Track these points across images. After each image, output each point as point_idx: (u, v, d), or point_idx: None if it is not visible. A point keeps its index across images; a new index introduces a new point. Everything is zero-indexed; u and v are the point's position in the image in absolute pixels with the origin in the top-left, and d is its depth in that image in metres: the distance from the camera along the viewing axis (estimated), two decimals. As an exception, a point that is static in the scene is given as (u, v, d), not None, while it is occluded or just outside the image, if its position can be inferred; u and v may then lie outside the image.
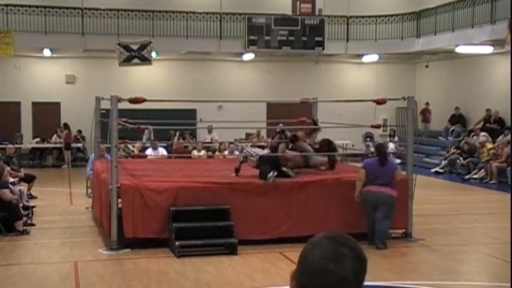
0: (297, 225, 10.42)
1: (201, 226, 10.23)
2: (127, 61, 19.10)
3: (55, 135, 23.95)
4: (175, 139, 20.65)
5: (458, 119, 23.96)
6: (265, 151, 12.13)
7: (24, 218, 12.08)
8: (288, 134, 12.37)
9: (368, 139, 25.66)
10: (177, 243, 9.82)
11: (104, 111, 13.05)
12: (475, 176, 20.02)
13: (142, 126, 12.22)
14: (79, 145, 23.99)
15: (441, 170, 21.86)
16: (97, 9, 23.30)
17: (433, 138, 24.87)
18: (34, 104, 24.31)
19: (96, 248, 10.48)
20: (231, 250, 9.99)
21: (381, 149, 11.03)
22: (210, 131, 23.20)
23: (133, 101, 10.94)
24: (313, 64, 26.30)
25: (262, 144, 20.31)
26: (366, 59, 26.11)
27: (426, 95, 25.92)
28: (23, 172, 15.62)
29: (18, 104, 24.20)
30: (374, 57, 25.82)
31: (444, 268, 9.46)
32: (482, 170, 19.89)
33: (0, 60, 22.85)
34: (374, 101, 12.56)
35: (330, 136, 13.58)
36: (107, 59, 22.69)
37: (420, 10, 24.56)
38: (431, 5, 23.95)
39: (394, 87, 24.58)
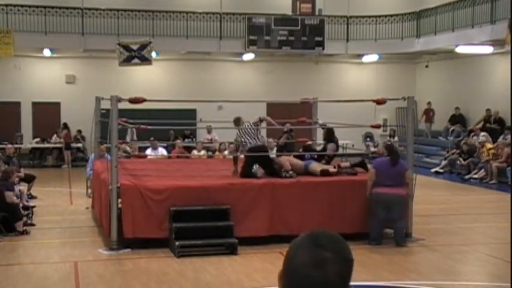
0: (298, 224, 10.41)
1: (201, 226, 10.23)
2: (127, 61, 19.09)
3: (55, 135, 23.95)
4: (178, 144, 20.37)
5: (458, 119, 23.96)
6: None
7: (24, 218, 12.09)
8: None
9: (368, 139, 25.67)
10: (177, 243, 9.82)
11: (104, 111, 13.06)
12: (475, 176, 20.03)
13: (142, 126, 12.21)
14: (79, 145, 23.98)
15: (441, 170, 21.86)
16: (97, 9, 23.30)
17: (433, 138, 24.88)
18: (34, 104, 24.31)
19: (96, 248, 10.48)
20: (231, 250, 9.99)
21: (393, 149, 10.95)
22: (209, 131, 23.19)
23: (133, 101, 10.94)
24: (313, 64, 26.29)
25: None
26: (366, 59, 26.11)
27: (426, 95, 25.92)
28: (23, 172, 15.63)
29: (18, 104, 24.19)
30: (374, 57, 25.82)
31: (444, 268, 9.46)
32: (482, 170, 19.89)
33: (0, 60, 22.85)
34: (374, 101, 12.57)
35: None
36: (107, 59, 22.69)
37: (420, 10, 24.56)
38: (431, 5, 23.95)
39: (394, 87, 24.58)
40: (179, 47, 24.06)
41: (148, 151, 18.05)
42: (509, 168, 18.68)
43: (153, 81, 24.24)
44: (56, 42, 22.87)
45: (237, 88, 25.07)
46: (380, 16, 25.25)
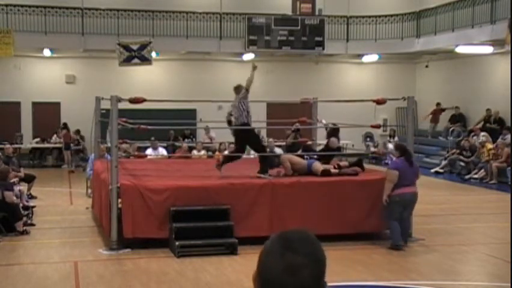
0: (298, 225, 10.40)
1: (201, 226, 10.23)
2: (127, 61, 19.07)
3: (55, 135, 23.94)
4: (183, 146, 20.24)
5: (458, 118, 23.96)
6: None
7: (24, 218, 12.09)
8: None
9: (368, 139, 25.68)
10: (177, 243, 9.82)
11: (104, 111, 13.06)
12: (475, 176, 20.03)
13: (142, 126, 12.22)
14: (79, 147, 23.95)
15: (441, 170, 21.85)
16: (97, 9, 23.30)
17: (433, 138, 24.89)
18: (34, 104, 24.31)
19: (96, 248, 10.48)
20: (231, 250, 9.99)
21: (407, 149, 10.90)
22: (207, 131, 23.17)
23: (133, 101, 10.94)
24: (313, 64, 26.29)
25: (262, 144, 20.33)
26: (366, 59, 26.11)
27: (426, 95, 25.93)
28: (23, 172, 15.63)
29: (18, 104, 24.19)
30: (374, 57, 25.82)
31: (444, 268, 9.46)
32: (482, 170, 19.89)
33: (0, 60, 22.85)
34: (374, 101, 12.58)
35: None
36: (107, 59, 22.68)
37: (420, 10, 24.56)
38: (431, 5, 23.95)
39: (394, 87, 24.58)
40: (179, 47, 24.06)
41: (148, 151, 18.05)
42: (509, 168, 18.68)
43: (153, 81, 24.24)
44: (56, 42, 22.87)
45: (237, 88, 25.04)
46: (380, 16, 25.25)
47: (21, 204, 12.44)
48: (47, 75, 24.38)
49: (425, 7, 24.44)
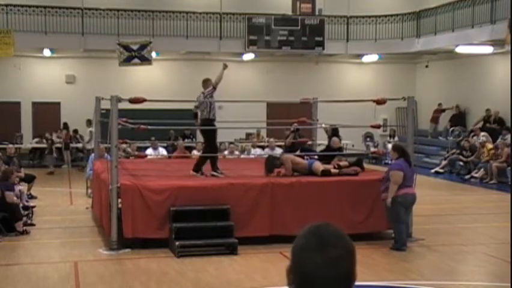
0: (298, 225, 10.40)
1: (201, 226, 10.23)
2: (127, 61, 19.07)
3: (55, 136, 23.93)
4: (179, 145, 20.27)
5: (458, 118, 23.97)
6: (266, 150, 12.19)
7: (24, 218, 12.09)
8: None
9: (368, 139, 25.68)
10: (177, 243, 9.82)
11: (104, 111, 13.05)
12: (475, 176, 20.02)
13: (142, 126, 12.22)
14: (79, 145, 23.98)
15: (441, 170, 21.85)
16: (97, 9, 23.30)
17: (433, 138, 24.90)
18: (34, 104, 24.31)
19: (96, 248, 10.48)
20: (231, 250, 9.99)
21: (405, 150, 10.88)
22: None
23: (133, 101, 10.94)
24: (313, 64, 26.29)
25: (262, 144, 20.40)
26: (366, 59, 26.11)
27: (426, 95, 25.93)
28: (23, 172, 15.63)
29: (18, 104, 24.19)
30: (374, 57, 25.82)
31: (445, 268, 9.46)
32: (482, 170, 19.89)
33: (0, 60, 22.85)
34: (374, 101, 12.57)
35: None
36: (107, 59, 22.68)
37: (420, 10, 24.56)
38: (431, 5, 23.94)
39: (394, 87, 24.58)
40: (179, 47, 24.05)
41: (148, 151, 18.05)
42: (509, 168, 18.68)
43: (153, 81, 24.23)
44: (56, 42, 22.87)
45: (237, 88, 25.05)
46: (380, 16, 25.25)
47: (21, 204, 12.44)
48: (47, 75, 24.38)
49: (425, 7, 24.43)
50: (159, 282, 8.58)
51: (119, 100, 10.55)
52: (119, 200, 10.22)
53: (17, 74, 23.94)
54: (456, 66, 24.85)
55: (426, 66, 26.17)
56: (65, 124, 23.67)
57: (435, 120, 25.15)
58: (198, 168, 11.59)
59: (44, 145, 23.92)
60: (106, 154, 13.53)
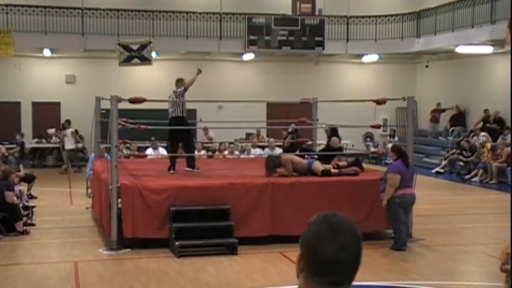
0: (298, 225, 10.41)
1: (201, 226, 10.23)
2: (127, 61, 19.06)
3: (55, 136, 23.93)
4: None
5: (458, 118, 23.97)
6: (266, 150, 12.19)
7: (24, 218, 12.09)
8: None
9: (368, 139, 25.68)
10: (177, 243, 9.83)
11: (104, 111, 13.05)
12: (475, 177, 20.01)
13: (142, 126, 12.22)
14: (79, 145, 23.96)
15: (441, 170, 21.85)
16: (97, 9, 23.30)
17: (433, 138, 24.90)
18: (34, 104, 24.31)
19: (96, 248, 10.48)
20: (231, 250, 9.99)
21: (404, 151, 10.87)
22: (206, 132, 23.14)
23: (133, 101, 10.95)
24: (314, 64, 26.29)
25: (262, 144, 20.40)
26: (366, 59, 26.10)
27: (426, 95, 25.93)
28: (23, 171, 15.62)
29: (18, 104, 24.19)
30: (374, 57, 25.81)
31: (445, 268, 9.46)
32: (482, 170, 19.89)
33: (0, 60, 22.85)
34: (374, 101, 12.57)
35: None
36: (107, 59, 22.68)
37: (420, 10, 24.55)
38: (431, 5, 23.94)
39: (394, 87, 24.57)
40: (179, 47, 24.05)
41: (148, 151, 18.05)
42: (509, 168, 18.68)
43: (153, 81, 24.21)
44: (56, 42, 22.86)
45: (237, 88, 25.07)
46: (380, 16, 25.25)
47: (21, 204, 12.43)
48: (47, 75, 24.38)
49: (425, 7, 24.43)
50: (159, 282, 8.58)
51: (119, 100, 10.55)
52: (119, 200, 10.22)
53: (17, 74, 23.94)
54: (456, 66, 24.85)
55: (426, 66, 26.17)
56: (63, 125, 23.62)
57: (434, 119, 25.14)
58: (190, 165, 12.00)
59: (44, 145, 23.96)
60: (106, 154, 13.52)
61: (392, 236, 10.77)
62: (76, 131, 23.84)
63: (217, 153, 20.06)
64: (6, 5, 22.58)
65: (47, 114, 24.18)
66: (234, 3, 24.63)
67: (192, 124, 23.31)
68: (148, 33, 22.63)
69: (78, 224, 12.66)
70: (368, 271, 8.92)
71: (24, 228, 11.63)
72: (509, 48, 16.55)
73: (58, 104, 24.53)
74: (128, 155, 16.46)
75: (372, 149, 23.15)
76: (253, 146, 20.24)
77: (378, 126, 15.49)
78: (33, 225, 12.20)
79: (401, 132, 23.11)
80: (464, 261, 10.20)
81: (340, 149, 12.88)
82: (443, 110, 24.82)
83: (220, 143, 20.70)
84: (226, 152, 18.91)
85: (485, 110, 22.20)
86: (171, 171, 12.06)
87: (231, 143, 19.55)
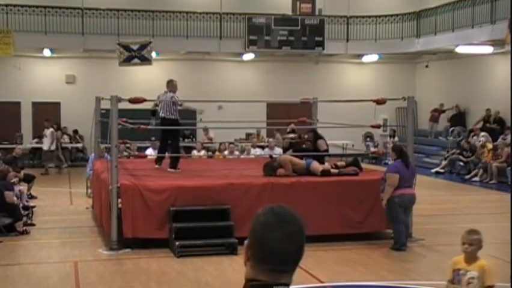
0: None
1: (201, 226, 10.23)
2: (127, 61, 19.06)
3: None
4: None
5: (458, 117, 23.97)
6: (265, 150, 12.18)
7: (24, 218, 12.09)
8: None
9: (368, 139, 25.69)
10: (177, 243, 9.82)
11: (104, 111, 13.05)
12: (475, 177, 20.01)
13: (142, 126, 12.22)
14: (79, 145, 23.97)
15: (441, 170, 21.86)
16: (97, 9, 23.30)
17: (433, 138, 24.90)
18: (34, 104, 24.31)
19: (96, 248, 10.48)
20: (231, 250, 9.99)
21: (404, 151, 10.86)
22: (206, 132, 23.14)
23: (133, 101, 10.95)
24: (314, 64, 26.30)
25: (262, 144, 20.39)
26: (366, 59, 26.11)
27: (426, 95, 25.93)
28: (22, 173, 15.58)
29: (18, 104, 24.19)
30: (374, 57, 25.82)
31: (445, 268, 9.44)
32: (482, 170, 19.89)
33: (0, 60, 22.85)
34: (374, 101, 12.56)
35: (330, 136, 13.58)
36: (107, 59, 22.68)
37: (420, 10, 24.56)
38: (431, 5, 23.95)
39: (394, 87, 24.58)
40: (179, 47, 24.06)
41: (148, 151, 18.04)
42: (509, 168, 18.68)
43: (153, 81, 24.17)
44: (56, 42, 22.87)
45: (237, 88, 25.07)
46: (380, 16, 25.25)
47: (21, 204, 12.43)
48: (47, 75, 24.39)
49: (425, 7, 24.44)
50: (159, 282, 8.58)
51: (119, 100, 10.55)
52: (119, 200, 10.22)
53: (17, 74, 23.94)
54: (456, 66, 24.86)
55: (426, 66, 26.18)
56: (58, 125, 23.61)
57: (433, 118, 25.15)
58: (173, 166, 12.30)
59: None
60: (106, 154, 13.53)
61: (392, 236, 10.77)
62: (76, 131, 23.87)
63: (217, 153, 20.05)
64: (6, 5, 22.58)
65: (47, 114, 24.16)
66: (234, 3, 24.63)
67: (192, 124, 23.43)
68: (148, 33, 22.63)
69: (78, 224, 12.66)
70: (368, 271, 8.93)
71: (24, 228, 11.63)
72: (509, 48, 16.54)
73: (58, 104, 24.54)
74: (128, 155, 16.46)
75: (372, 149, 23.16)
76: (253, 146, 20.25)
77: (378, 126, 15.48)
78: (33, 225, 12.20)
79: (401, 132, 23.10)
80: (464, 261, 10.18)
81: (326, 151, 12.78)
82: (443, 111, 24.83)
83: (220, 143, 20.69)
84: (226, 152, 18.90)
85: (487, 110, 22.19)
86: (156, 166, 12.61)
87: (231, 143, 19.55)
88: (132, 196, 10.17)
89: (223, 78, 25.56)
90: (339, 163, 12.03)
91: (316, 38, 24.37)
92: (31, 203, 14.00)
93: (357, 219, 10.89)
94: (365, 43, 25.15)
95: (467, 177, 20.22)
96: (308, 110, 14.93)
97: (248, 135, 23.02)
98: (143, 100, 11.04)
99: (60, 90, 24.42)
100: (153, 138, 18.45)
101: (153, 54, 20.19)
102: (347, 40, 25.25)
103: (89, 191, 15.34)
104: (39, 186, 16.32)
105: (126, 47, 18.75)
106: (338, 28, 25.21)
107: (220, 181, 10.91)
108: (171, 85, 12.51)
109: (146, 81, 23.80)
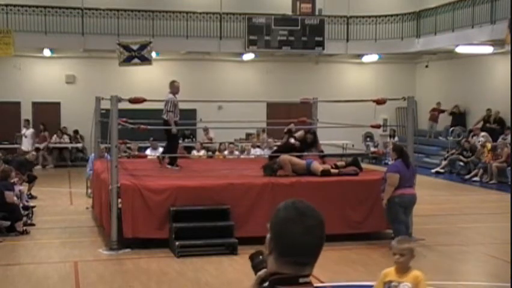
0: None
1: (201, 226, 10.23)
2: (127, 61, 19.06)
3: (55, 135, 23.93)
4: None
5: (458, 117, 23.97)
6: (266, 151, 12.18)
7: (24, 218, 12.09)
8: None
9: (368, 139, 25.69)
10: (177, 243, 9.83)
11: (104, 111, 13.05)
12: (475, 177, 20.02)
13: (142, 126, 12.22)
14: (79, 145, 23.98)
15: (441, 170, 21.86)
16: (97, 9, 23.31)
17: (433, 138, 24.90)
18: (34, 104, 24.31)
19: (96, 248, 10.48)
20: (231, 250, 9.99)
21: (404, 151, 10.86)
22: (206, 132, 23.15)
23: (133, 101, 10.95)
24: (314, 64, 26.31)
25: (259, 144, 20.39)
26: (366, 59, 26.12)
27: (426, 95, 25.93)
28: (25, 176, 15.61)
29: (18, 104, 24.19)
30: (374, 57, 25.82)
31: (445, 268, 9.46)
32: (482, 170, 19.89)
33: (0, 60, 22.85)
34: (374, 101, 12.56)
35: (330, 136, 13.58)
36: (107, 59, 22.68)
37: (420, 10, 24.57)
38: (431, 5, 23.95)
39: (394, 87, 24.58)
40: (179, 47, 24.06)
41: (148, 151, 18.05)
42: (509, 168, 18.68)
43: (153, 81, 24.21)
44: (56, 42, 22.87)
45: (237, 88, 25.07)
46: (380, 16, 25.26)
47: (21, 204, 12.43)
48: (47, 75, 24.39)
49: (425, 7, 24.44)
50: (159, 282, 8.59)
51: (119, 100, 10.55)
52: (119, 200, 10.22)
53: (17, 74, 23.95)
54: (456, 66, 24.86)
55: (426, 66, 26.18)
56: (44, 125, 23.66)
57: (433, 118, 25.15)
58: (171, 163, 12.67)
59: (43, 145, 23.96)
60: (106, 154, 13.53)
61: (392, 236, 10.75)
62: (76, 131, 23.88)
63: (217, 153, 20.05)
64: (6, 5, 22.59)
65: (47, 114, 24.18)
66: (234, 3, 24.63)
67: (192, 124, 23.44)
68: (148, 33, 22.63)
69: (78, 224, 12.66)
70: (368, 271, 8.93)
71: (24, 228, 11.63)
72: (509, 48, 16.55)
73: (58, 104, 24.54)
74: (128, 155, 16.46)
75: (372, 149, 23.15)
76: (253, 146, 20.25)
77: (378, 126, 15.48)
78: (33, 225, 12.20)
79: (401, 132, 23.11)
80: (464, 261, 10.20)
81: (321, 151, 12.85)
82: (443, 111, 24.82)
83: (220, 143, 20.70)
84: (226, 152, 18.91)
85: (487, 110, 22.19)
86: (160, 165, 13.01)
87: (230, 143, 19.55)
88: (132, 196, 10.17)
89: (223, 78, 25.56)
90: (339, 163, 12.03)
91: (316, 38, 24.37)
92: (31, 203, 13.99)
93: (357, 219, 10.89)
94: (365, 43, 25.15)
95: (467, 177, 20.22)
96: (308, 110, 14.93)
97: (248, 135, 23.03)
98: (143, 100, 11.04)
99: (60, 90, 24.42)
100: (151, 139, 18.46)
101: (153, 54, 20.20)
102: (347, 40, 25.26)
103: (89, 191, 15.34)
104: (39, 186, 16.32)
105: (126, 47, 18.76)
106: (338, 28, 25.21)
107: (220, 181, 10.91)
108: (172, 86, 12.62)
109: (146, 81, 23.82)
